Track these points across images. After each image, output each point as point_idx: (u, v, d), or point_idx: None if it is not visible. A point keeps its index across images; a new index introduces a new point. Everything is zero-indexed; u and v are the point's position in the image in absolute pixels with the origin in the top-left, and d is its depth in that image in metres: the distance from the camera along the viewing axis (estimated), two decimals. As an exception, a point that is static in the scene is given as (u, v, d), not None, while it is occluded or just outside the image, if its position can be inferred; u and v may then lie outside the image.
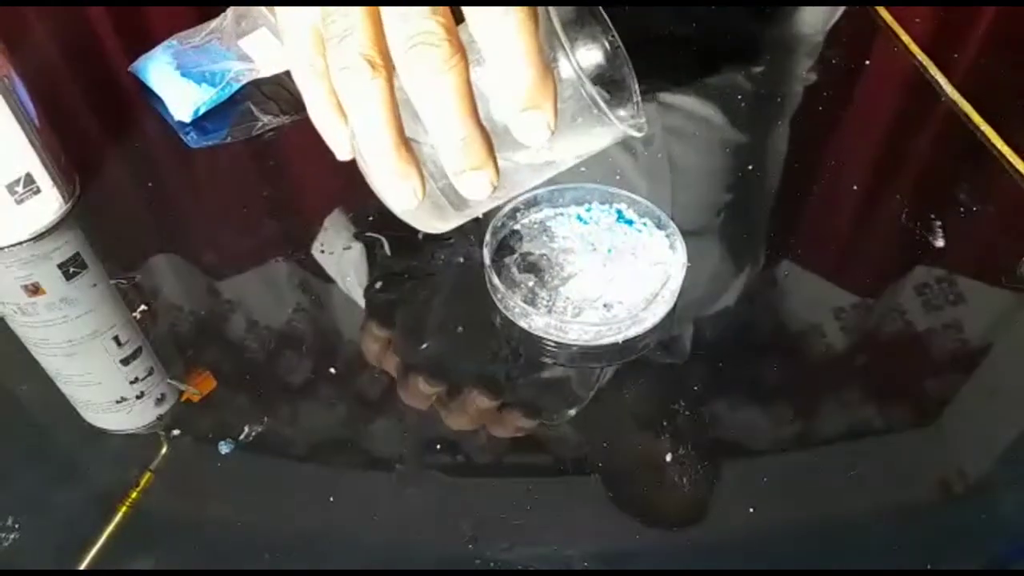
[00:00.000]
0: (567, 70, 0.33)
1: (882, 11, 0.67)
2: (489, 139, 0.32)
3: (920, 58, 0.62)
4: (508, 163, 0.35)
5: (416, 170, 0.33)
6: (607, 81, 0.38)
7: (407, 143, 0.32)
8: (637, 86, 0.38)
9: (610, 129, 0.35)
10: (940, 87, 0.60)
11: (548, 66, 0.31)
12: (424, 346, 0.43)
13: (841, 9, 0.68)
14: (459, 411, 0.40)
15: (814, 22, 0.67)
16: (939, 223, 0.50)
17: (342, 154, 0.36)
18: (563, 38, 0.32)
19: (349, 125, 0.33)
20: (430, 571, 0.35)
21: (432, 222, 0.39)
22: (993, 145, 0.55)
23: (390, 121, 0.31)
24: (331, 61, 0.31)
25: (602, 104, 0.33)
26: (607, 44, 0.38)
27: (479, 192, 0.33)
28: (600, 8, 0.37)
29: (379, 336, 0.44)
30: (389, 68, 0.31)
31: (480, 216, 0.49)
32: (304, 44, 0.33)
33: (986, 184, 0.54)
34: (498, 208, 0.46)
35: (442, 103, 0.30)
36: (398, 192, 0.33)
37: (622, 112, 0.38)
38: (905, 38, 0.64)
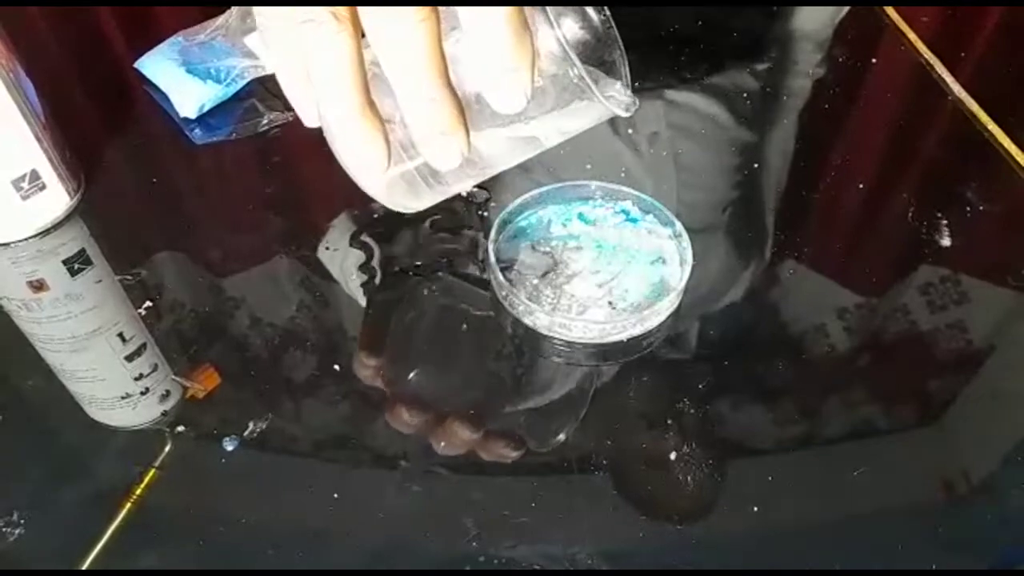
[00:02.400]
0: (553, 43, 0.31)
1: (889, 10, 0.67)
2: (460, 104, 0.31)
3: (927, 56, 0.62)
4: (489, 138, 0.34)
5: (382, 136, 0.31)
6: (597, 61, 0.38)
7: (373, 106, 0.31)
8: (627, 67, 0.37)
9: (595, 106, 0.34)
10: (947, 85, 0.60)
11: (526, 29, 0.30)
12: (427, 345, 0.43)
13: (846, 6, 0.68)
14: (456, 431, 0.39)
15: (819, 19, 0.67)
16: (945, 222, 0.50)
17: (308, 120, 0.34)
18: (548, 9, 0.31)
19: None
20: (434, 569, 0.35)
21: (404, 201, 0.37)
22: (1000, 144, 0.55)
23: (355, 80, 0.30)
24: (294, 15, 0.29)
25: (587, 77, 0.32)
26: (599, 24, 0.36)
27: (447, 161, 0.32)
28: None
29: (382, 334, 0.44)
30: (356, 26, 0.29)
31: (485, 213, 0.49)
32: (275, 10, 0.31)
33: (993, 183, 0.53)
34: (503, 205, 0.46)
35: (409, 59, 0.29)
36: (361, 159, 0.32)
37: (610, 91, 0.37)
38: (912, 36, 0.64)
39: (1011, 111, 0.57)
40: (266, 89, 0.57)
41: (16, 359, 0.42)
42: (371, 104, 0.31)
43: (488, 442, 0.38)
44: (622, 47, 0.37)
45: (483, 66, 0.30)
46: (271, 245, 0.48)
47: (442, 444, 0.38)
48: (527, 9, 0.30)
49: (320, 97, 0.31)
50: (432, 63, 0.29)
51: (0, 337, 0.43)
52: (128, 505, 0.36)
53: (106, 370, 0.42)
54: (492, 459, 0.38)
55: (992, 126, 0.56)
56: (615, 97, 0.37)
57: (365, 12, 0.29)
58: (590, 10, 0.36)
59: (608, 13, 0.36)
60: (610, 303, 0.43)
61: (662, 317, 0.43)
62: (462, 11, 0.29)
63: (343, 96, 0.30)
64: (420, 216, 0.48)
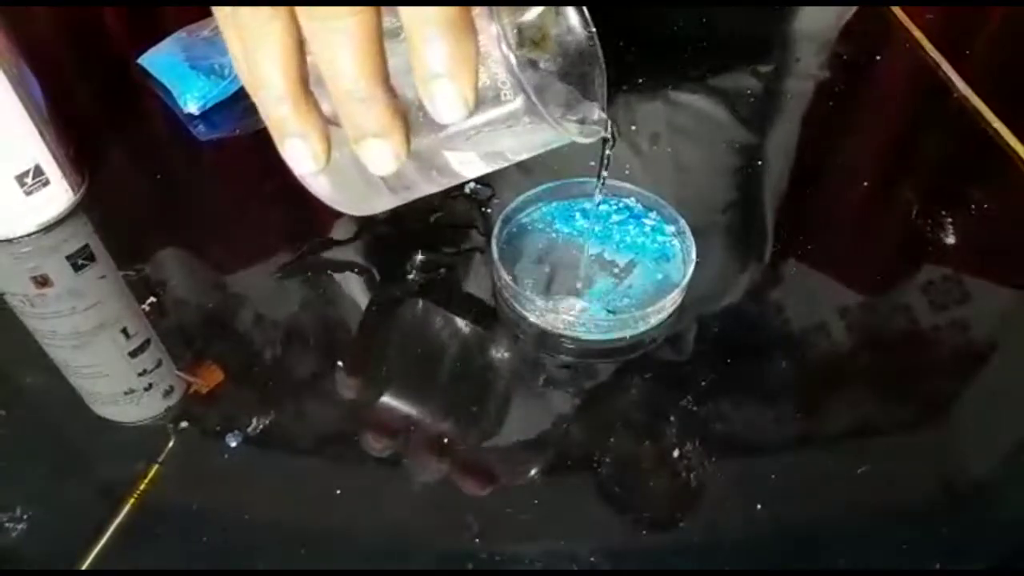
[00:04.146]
0: (509, 62, 0.30)
1: (893, 7, 0.67)
2: (397, 106, 0.29)
3: (932, 54, 0.62)
4: (456, 150, 0.33)
5: (318, 131, 0.30)
6: (579, 76, 0.36)
7: (310, 98, 0.30)
8: (605, 89, 0.36)
9: (557, 130, 0.32)
10: (952, 83, 0.59)
11: (467, 34, 0.28)
12: (430, 342, 0.43)
13: (853, 7, 0.67)
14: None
15: (824, 20, 0.67)
16: (950, 220, 0.50)
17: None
18: (501, 23, 0.29)
19: None
20: (436, 569, 0.35)
21: (360, 204, 0.36)
22: (1005, 142, 0.55)
23: (287, 69, 0.28)
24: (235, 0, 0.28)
25: (539, 105, 0.30)
26: (583, 38, 0.35)
27: (381, 165, 0.30)
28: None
29: (384, 332, 0.44)
30: (293, 16, 0.28)
31: (488, 210, 0.49)
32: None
33: (998, 181, 0.53)
34: (506, 201, 0.46)
35: (340, 55, 0.27)
36: (293, 154, 0.31)
37: (583, 113, 0.36)
38: (917, 34, 0.64)
39: (1017, 109, 0.56)
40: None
41: (19, 355, 0.42)
42: (307, 96, 0.30)
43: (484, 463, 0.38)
44: (603, 66, 0.35)
45: (417, 70, 0.28)
46: (275, 241, 0.48)
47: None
48: (479, 22, 0.28)
49: (255, 84, 0.30)
50: (365, 60, 0.28)
51: (3, 333, 0.43)
52: (131, 500, 0.36)
53: (109, 366, 0.42)
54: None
55: (997, 124, 0.56)
56: (587, 120, 0.35)
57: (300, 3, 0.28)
58: (576, 23, 0.35)
59: (594, 29, 0.35)
60: (609, 311, 0.43)
61: (665, 314, 0.43)
62: (400, 10, 0.28)
63: (273, 84, 0.29)
64: (423, 213, 0.48)
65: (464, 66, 0.28)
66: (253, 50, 0.29)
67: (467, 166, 0.35)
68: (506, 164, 0.36)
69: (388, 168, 0.31)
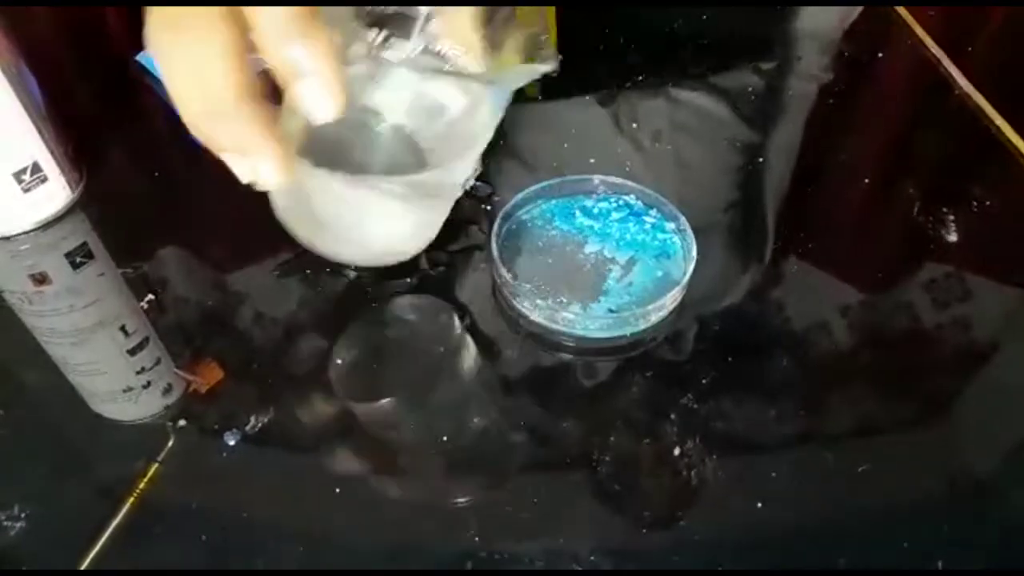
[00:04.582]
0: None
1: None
2: (264, 120, 0.29)
3: (934, 52, 0.62)
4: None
5: (270, 144, 0.29)
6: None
7: (255, 107, 0.29)
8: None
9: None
10: (954, 81, 0.59)
11: (311, 28, 0.28)
12: (428, 340, 0.43)
13: (859, 7, 0.67)
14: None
15: (827, 20, 0.66)
16: (952, 218, 0.49)
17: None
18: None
19: None
20: (435, 569, 0.35)
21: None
22: (1007, 139, 0.54)
23: (228, 75, 0.28)
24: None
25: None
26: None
27: (266, 184, 0.30)
28: None
29: (384, 326, 0.44)
30: (238, 24, 0.27)
31: (488, 207, 0.49)
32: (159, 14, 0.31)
33: (1000, 179, 0.53)
34: (506, 199, 0.46)
35: (193, 67, 0.27)
36: (237, 169, 0.30)
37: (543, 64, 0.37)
38: (919, 31, 0.64)
39: (1019, 106, 0.56)
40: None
41: (17, 353, 0.42)
42: (253, 105, 0.29)
43: None
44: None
45: (281, 75, 0.28)
46: (274, 238, 0.48)
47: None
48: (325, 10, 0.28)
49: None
50: (220, 73, 0.27)
51: (1, 331, 0.43)
52: (130, 499, 0.36)
53: (108, 364, 0.42)
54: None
55: (999, 121, 0.55)
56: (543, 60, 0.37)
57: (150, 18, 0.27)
58: None
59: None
60: (610, 310, 0.43)
61: (665, 313, 0.43)
62: (252, 17, 0.28)
63: (210, 93, 0.29)
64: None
65: (325, 62, 0.28)
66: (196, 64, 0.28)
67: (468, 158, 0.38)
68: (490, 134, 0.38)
69: (273, 187, 0.30)
